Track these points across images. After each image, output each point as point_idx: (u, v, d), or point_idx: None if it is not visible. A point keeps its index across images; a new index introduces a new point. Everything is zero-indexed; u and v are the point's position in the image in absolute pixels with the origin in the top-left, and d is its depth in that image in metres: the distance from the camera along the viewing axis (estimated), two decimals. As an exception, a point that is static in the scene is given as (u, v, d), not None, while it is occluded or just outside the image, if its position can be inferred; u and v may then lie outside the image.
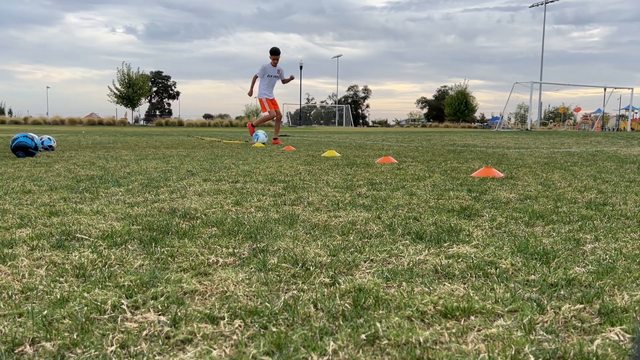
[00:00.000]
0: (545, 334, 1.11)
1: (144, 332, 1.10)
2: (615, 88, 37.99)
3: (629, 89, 37.41)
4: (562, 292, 1.35)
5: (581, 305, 1.26)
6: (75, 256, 1.64)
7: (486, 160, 5.84)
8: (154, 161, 5.40)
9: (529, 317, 1.18)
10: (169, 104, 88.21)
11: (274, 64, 9.93)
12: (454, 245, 1.84)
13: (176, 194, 3.03)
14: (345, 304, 1.26)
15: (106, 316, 1.19)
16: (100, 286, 1.38)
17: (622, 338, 1.09)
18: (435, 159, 5.98)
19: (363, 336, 1.08)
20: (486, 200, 2.86)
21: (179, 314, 1.19)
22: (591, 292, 1.34)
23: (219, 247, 1.80)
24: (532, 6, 46.98)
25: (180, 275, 1.48)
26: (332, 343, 1.05)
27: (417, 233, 2.01)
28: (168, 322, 1.15)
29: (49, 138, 6.94)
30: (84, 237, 1.92)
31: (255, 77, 10.04)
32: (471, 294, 1.33)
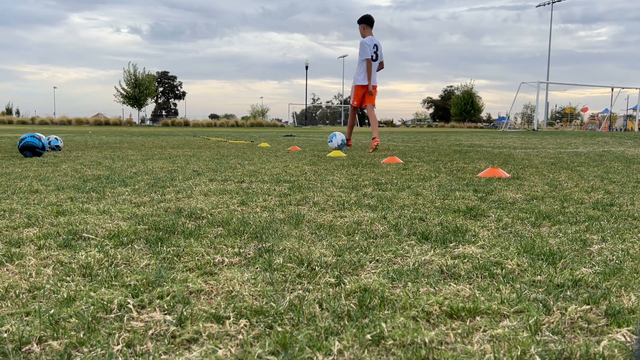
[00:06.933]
0: (551, 334, 1.10)
1: (150, 331, 1.11)
2: (623, 88, 37.77)
3: (636, 88, 37.18)
4: (568, 293, 1.34)
5: (588, 306, 1.25)
6: (82, 255, 1.65)
7: (492, 160, 5.82)
8: (160, 161, 5.42)
9: (535, 317, 1.17)
10: (175, 104, 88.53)
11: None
12: (460, 245, 1.83)
13: (182, 193, 3.04)
14: (351, 304, 1.26)
15: (112, 315, 1.19)
16: (107, 285, 1.38)
17: (628, 339, 1.08)
18: (441, 159, 5.96)
19: (368, 336, 1.08)
20: (492, 200, 2.85)
21: (185, 313, 1.20)
22: (598, 293, 1.33)
23: (224, 246, 1.80)
24: (539, 5, 46.77)
25: (186, 274, 1.49)
26: (337, 343, 1.05)
27: (422, 233, 2.00)
28: (174, 321, 1.16)
29: (56, 138, 6.97)
30: (91, 236, 1.93)
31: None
32: (477, 295, 1.33)
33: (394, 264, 1.62)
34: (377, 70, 7.82)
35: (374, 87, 7.73)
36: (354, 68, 8.01)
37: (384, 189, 3.26)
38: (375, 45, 7.59)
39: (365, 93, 7.76)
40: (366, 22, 7.63)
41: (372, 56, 7.55)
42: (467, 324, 1.16)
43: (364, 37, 7.70)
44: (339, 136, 7.79)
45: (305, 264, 1.58)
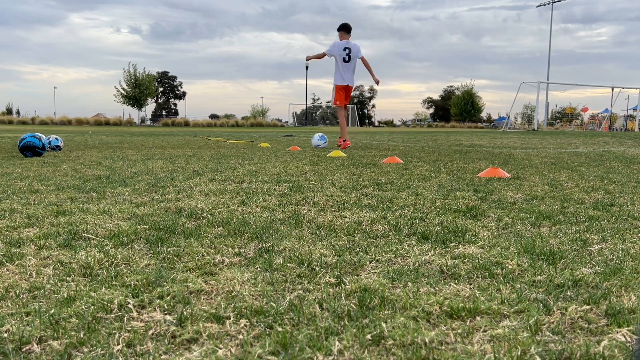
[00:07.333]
0: (551, 334, 1.10)
1: (150, 331, 1.11)
2: (623, 88, 37.72)
3: (636, 88, 37.14)
4: (568, 293, 1.34)
5: (588, 306, 1.25)
6: (82, 255, 1.65)
7: (492, 160, 5.82)
8: (160, 161, 5.42)
9: (535, 317, 1.17)
10: (175, 104, 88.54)
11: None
12: (460, 245, 1.83)
13: (182, 193, 3.04)
14: (351, 304, 1.26)
15: (113, 315, 1.19)
16: (107, 285, 1.38)
17: (629, 339, 1.08)
18: (442, 159, 5.96)
19: (368, 336, 1.08)
20: (492, 200, 2.85)
21: (185, 313, 1.20)
22: (598, 293, 1.33)
23: (224, 246, 1.80)
24: (539, 5, 46.80)
25: (186, 274, 1.49)
26: (337, 343, 1.05)
27: (422, 233, 2.00)
28: (174, 321, 1.16)
29: (56, 138, 6.97)
30: (91, 236, 1.93)
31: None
32: (477, 295, 1.33)
33: (394, 264, 1.62)
34: (369, 69, 8.61)
35: (347, 87, 8.45)
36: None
37: (384, 189, 3.26)
38: (348, 48, 8.40)
39: (347, 92, 8.51)
40: (343, 29, 8.63)
41: (344, 57, 8.42)
42: (467, 324, 1.16)
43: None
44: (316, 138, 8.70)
45: (306, 264, 1.58)
